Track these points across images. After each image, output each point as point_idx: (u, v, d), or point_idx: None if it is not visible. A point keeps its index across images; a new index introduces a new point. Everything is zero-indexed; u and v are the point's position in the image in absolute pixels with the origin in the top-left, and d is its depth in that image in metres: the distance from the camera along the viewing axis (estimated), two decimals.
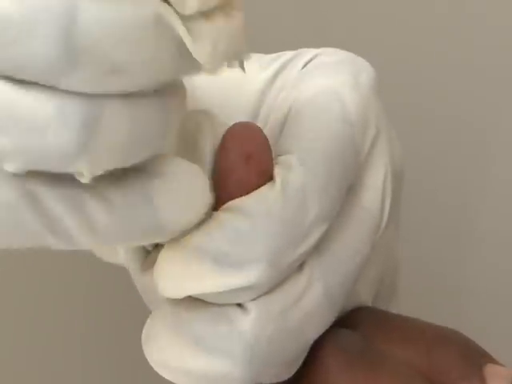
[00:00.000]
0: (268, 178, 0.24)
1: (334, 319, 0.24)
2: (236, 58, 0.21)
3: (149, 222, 0.21)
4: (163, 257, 0.23)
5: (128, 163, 0.20)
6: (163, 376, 0.23)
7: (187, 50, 0.20)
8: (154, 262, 0.24)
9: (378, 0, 0.51)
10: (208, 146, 0.24)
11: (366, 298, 0.27)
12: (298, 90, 0.26)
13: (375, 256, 0.26)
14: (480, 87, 0.52)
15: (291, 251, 0.23)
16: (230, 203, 0.23)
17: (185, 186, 0.22)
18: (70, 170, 0.20)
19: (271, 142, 0.24)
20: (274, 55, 0.28)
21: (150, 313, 0.25)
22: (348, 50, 0.27)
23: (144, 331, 0.24)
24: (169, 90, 0.21)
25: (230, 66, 0.23)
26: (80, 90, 0.19)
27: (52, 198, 0.20)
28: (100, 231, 0.21)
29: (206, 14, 0.20)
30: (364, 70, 0.26)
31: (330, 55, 0.27)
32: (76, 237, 0.21)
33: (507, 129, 0.53)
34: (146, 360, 0.24)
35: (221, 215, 0.23)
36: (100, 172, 0.20)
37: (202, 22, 0.20)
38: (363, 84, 0.26)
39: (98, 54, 0.18)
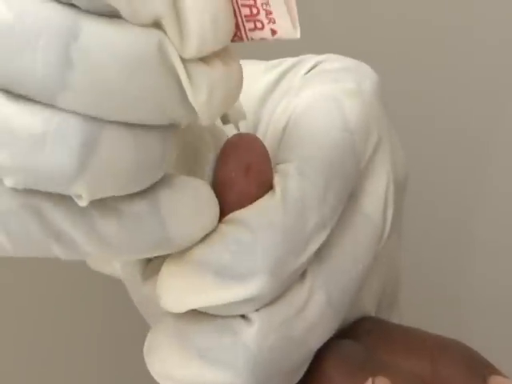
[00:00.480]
0: (268, 187, 0.24)
1: (337, 327, 0.24)
2: (231, 109, 0.21)
3: (156, 232, 0.21)
4: (166, 270, 0.23)
5: (125, 191, 0.20)
6: None
7: (185, 92, 0.20)
8: (155, 270, 0.24)
9: (383, 6, 0.51)
10: (210, 154, 0.24)
11: (369, 308, 0.27)
12: (299, 98, 0.26)
13: (378, 266, 0.26)
14: (486, 96, 0.52)
15: (292, 261, 0.23)
16: (232, 215, 0.23)
17: (192, 199, 0.22)
18: (69, 190, 0.19)
19: (271, 151, 0.24)
20: (276, 61, 0.28)
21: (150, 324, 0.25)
22: (351, 56, 0.27)
23: (146, 343, 0.24)
24: (172, 126, 0.21)
25: (223, 121, 0.23)
26: (79, 111, 0.19)
27: (56, 209, 0.20)
28: (107, 240, 0.21)
29: (203, 59, 0.20)
30: (367, 77, 0.26)
31: (332, 62, 0.27)
32: (82, 246, 0.21)
33: (507, 138, 0.53)
34: (148, 371, 0.24)
35: (223, 228, 0.23)
36: (98, 197, 0.20)
37: (200, 64, 0.20)
38: (366, 91, 0.26)
39: (96, 74, 0.18)
